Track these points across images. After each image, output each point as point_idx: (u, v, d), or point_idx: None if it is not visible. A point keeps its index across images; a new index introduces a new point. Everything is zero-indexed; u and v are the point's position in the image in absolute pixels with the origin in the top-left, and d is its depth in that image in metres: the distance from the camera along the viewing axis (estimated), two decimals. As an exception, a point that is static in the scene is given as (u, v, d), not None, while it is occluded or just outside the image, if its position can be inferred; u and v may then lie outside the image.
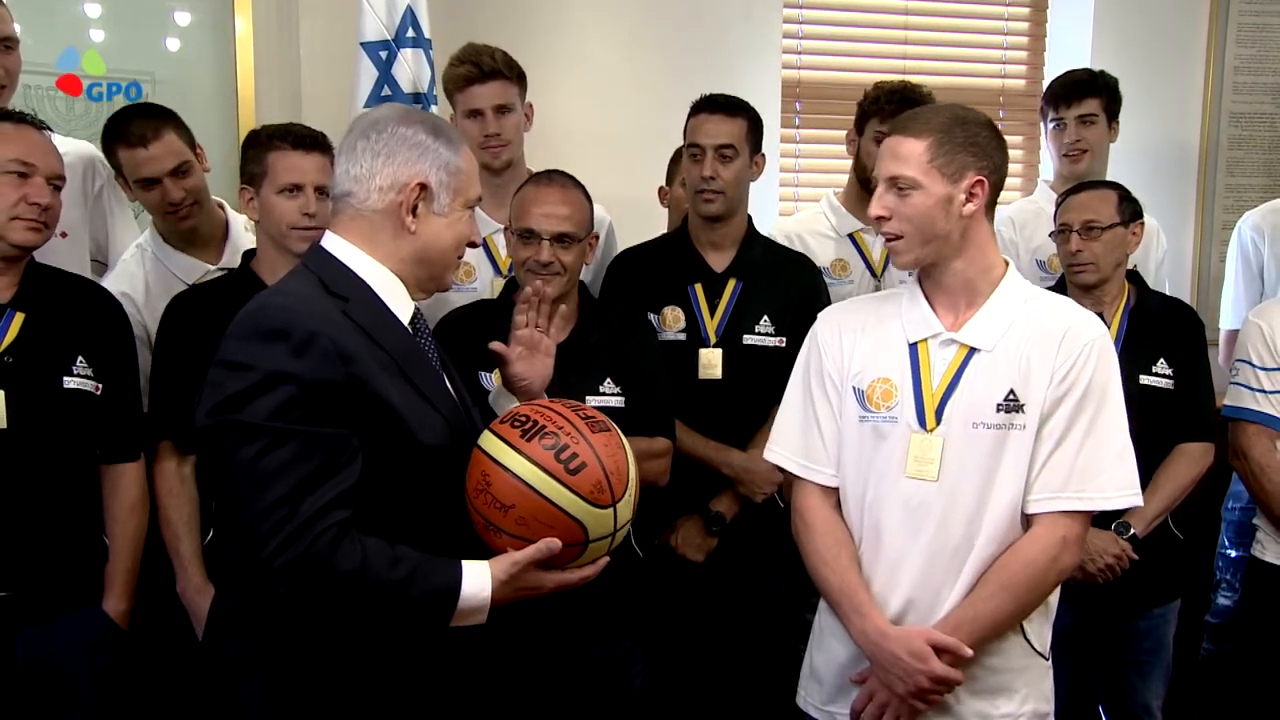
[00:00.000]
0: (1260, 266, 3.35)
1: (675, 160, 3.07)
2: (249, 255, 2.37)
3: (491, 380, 2.23)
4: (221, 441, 1.48)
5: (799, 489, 2.01)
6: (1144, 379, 2.55)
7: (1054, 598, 1.92)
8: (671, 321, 2.63)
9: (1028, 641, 1.89)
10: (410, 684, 1.62)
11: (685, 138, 2.66)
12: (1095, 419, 1.83)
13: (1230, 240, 3.48)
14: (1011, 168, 2.03)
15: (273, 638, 1.57)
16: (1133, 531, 2.54)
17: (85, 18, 3.16)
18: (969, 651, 1.81)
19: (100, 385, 2.14)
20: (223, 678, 1.62)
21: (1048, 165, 3.30)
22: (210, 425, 1.49)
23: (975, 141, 1.83)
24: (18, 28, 2.61)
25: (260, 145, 2.28)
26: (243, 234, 2.66)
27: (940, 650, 1.81)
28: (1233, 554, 3.22)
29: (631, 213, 3.00)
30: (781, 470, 2.07)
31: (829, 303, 2.67)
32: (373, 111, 1.70)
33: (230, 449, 1.47)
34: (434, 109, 2.91)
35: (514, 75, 2.67)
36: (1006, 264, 1.93)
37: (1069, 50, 3.88)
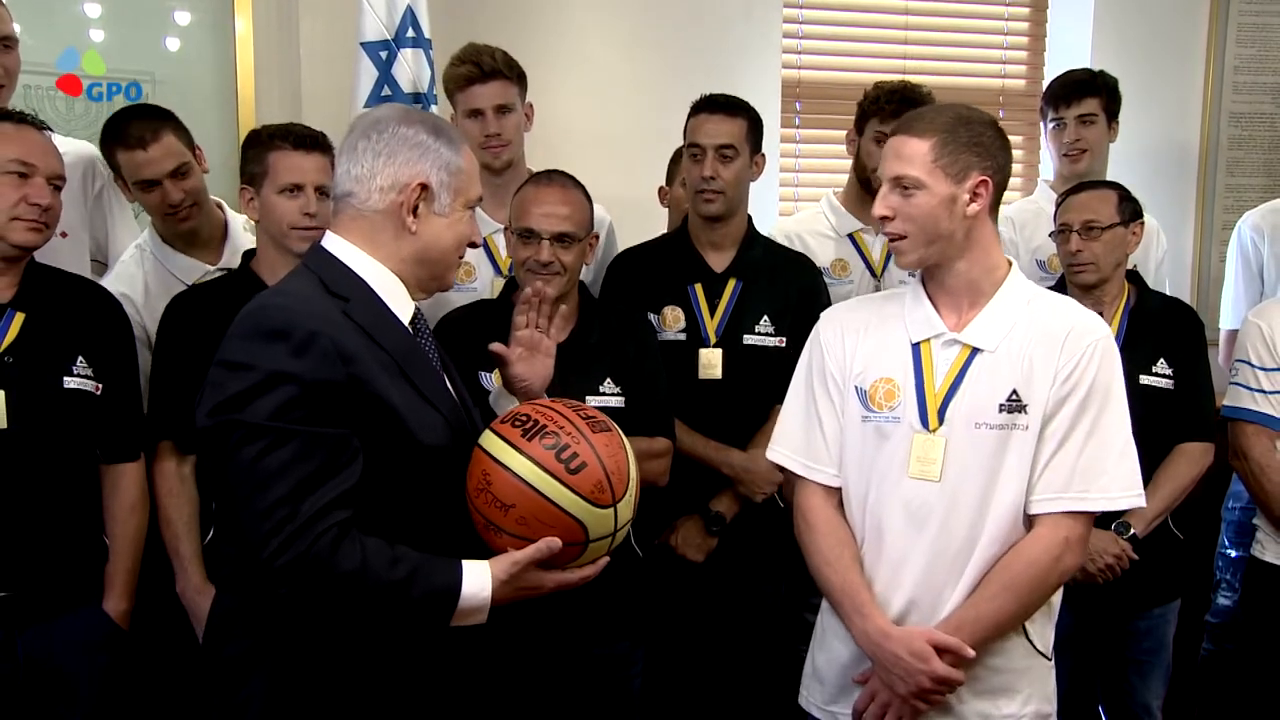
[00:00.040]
0: (1260, 266, 3.35)
1: (675, 160, 3.07)
2: (249, 255, 2.36)
3: (491, 380, 2.23)
4: (222, 441, 1.48)
5: (801, 489, 2.01)
6: (1144, 379, 2.55)
7: (1056, 598, 1.92)
8: (671, 321, 2.63)
9: (1030, 642, 1.89)
10: (410, 684, 1.62)
11: (685, 138, 2.66)
12: (1098, 419, 1.82)
13: (1230, 240, 3.48)
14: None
15: (273, 637, 1.57)
16: (1133, 531, 2.54)
17: (85, 18, 3.16)
18: (971, 652, 1.81)
19: (100, 385, 2.14)
20: (223, 677, 1.63)
21: (1048, 165, 3.30)
22: (211, 425, 1.49)
23: (979, 141, 1.83)
24: (17, 27, 2.61)
25: (261, 145, 2.28)
26: (242, 234, 2.66)
27: (942, 650, 1.81)
28: (1233, 554, 3.22)
29: (631, 213, 3.00)
30: (783, 470, 2.07)
31: (829, 303, 2.67)
32: (374, 111, 1.70)
33: (231, 449, 1.47)
34: (434, 109, 2.91)
35: (514, 75, 2.67)
36: (1010, 264, 1.93)
37: (1069, 50, 3.88)
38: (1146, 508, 2.27)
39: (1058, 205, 2.72)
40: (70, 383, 2.10)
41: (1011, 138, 1.96)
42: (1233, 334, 3.20)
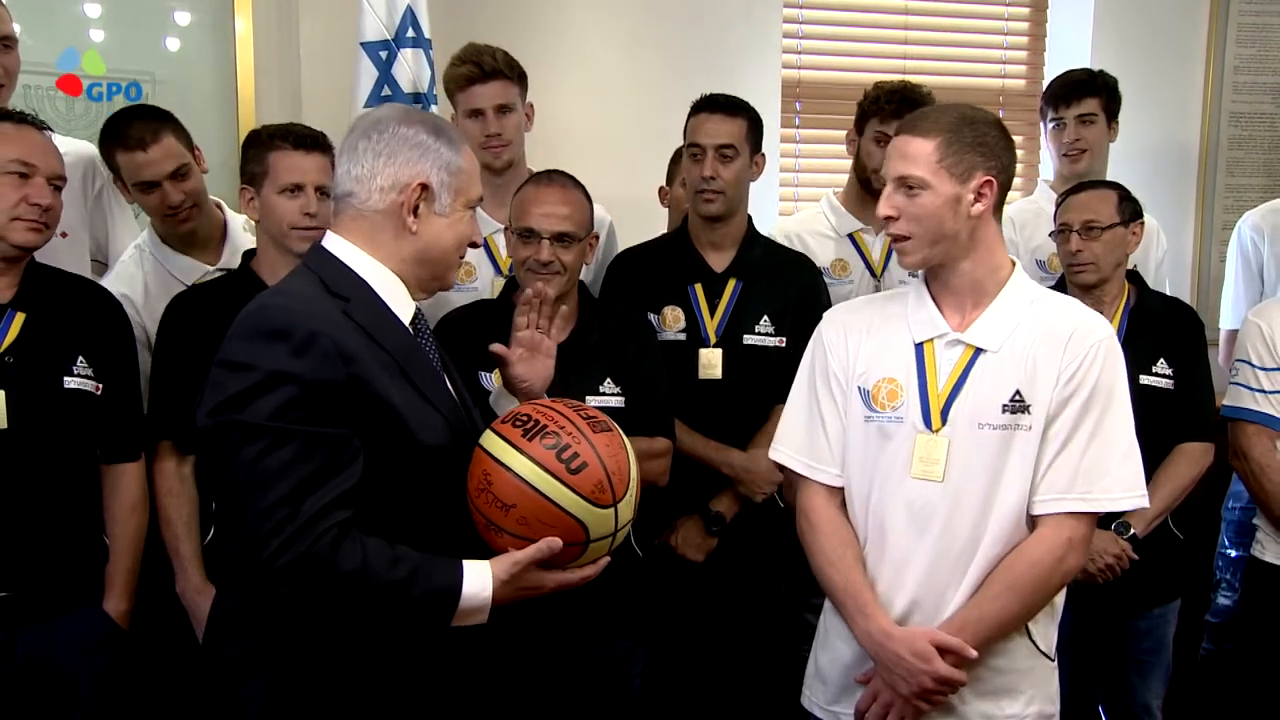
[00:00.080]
0: (1260, 266, 3.36)
1: (675, 160, 3.07)
2: (249, 255, 2.36)
3: (491, 380, 2.23)
4: (223, 441, 1.48)
5: (804, 489, 2.00)
6: (1144, 379, 2.55)
7: (1059, 599, 1.92)
8: (671, 321, 2.63)
9: (1033, 642, 1.89)
10: (411, 684, 1.62)
11: (685, 138, 2.66)
12: (1102, 420, 1.82)
13: (1230, 240, 3.48)
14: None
15: (274, 637, 1.57)
16: (1133, 531, 2.54)
17: (85, 18, 3.16)
18: (973, 653, 1.80)
19: (100, 385, 2.14)
20: (223, 677, 1.63)
21: (1048, 165, 3.30)
22: (212, 425, 1.49)
23: (984, 141, 1.83)
24: (17, 27, 2.61)
25: (261, 145, 2.28)
26: (241, 234, 2.66)
27: (944, 651, 1.81)
28: (1233, 554, 3.22)
29: (631, 213, 2.99)
30: (785, 470, 2.06)
31: (829, 303, 2.67)
32: (374, 111, 1.70)
33: (232, 449, 1.47)
34: (434, 109, 2.91)
35: (515, 75, 2.67)
36: (1013, 264, 1.93)
37: (1069, 50, 3.88)
38: (1147, 508, 2.27)
39: (1058, 205, 2.72)
40: (70, 383, 2.09)
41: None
42: (1233, 334, 3.20)
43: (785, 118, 3.78)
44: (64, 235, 2.43)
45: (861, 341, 1.94)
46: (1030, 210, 3.20)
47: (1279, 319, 2.62)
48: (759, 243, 2.73)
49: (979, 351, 1.86)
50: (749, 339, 2.63)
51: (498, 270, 2.68)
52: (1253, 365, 2.61)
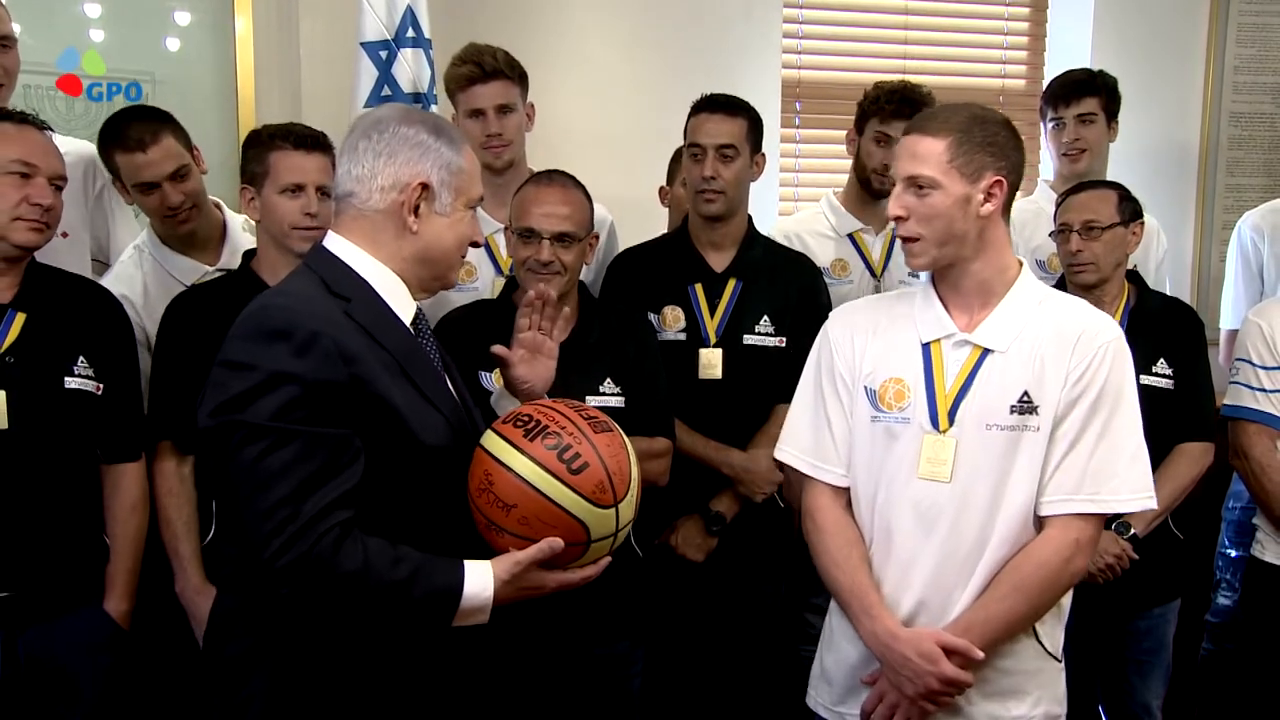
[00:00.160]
0: (1260, 266, 3.36)
1: (675, 160, 3.07)
2: (249, 255, 2.36)
3: (492, 380, 2.23)
4: (224, 442, 1.48)
5: (809, 489, 2.00)
6: (1144, 379, 2.54)
7: (1066, 600, 1.92)
8: (671, 321, 2.63)
9: (1040, 644, 1.88)
10: (411, 683, 1.62)
11: (685, 137, 2.66)
12: (1110, 421, 1.82)
13: (1230, 240, 3.48)
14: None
15: (274, 637, 1.57)
16: (1133, 531, 2.55)
17: (85, 18, 3.16)
18: (980, 654, 1.80)
19: (101, 385, 2.14)
20: (224, 677, 1.63)
21: (1048, 165, 3.30)
22: (213, 425, 1.49)
23: (994, 141, 1.82)
24: (17, 27, 2.61)
25: (262, 145, 2.28)
26: (241, 234, 2.65)
27: (951, 652, 1.80)
28: (1233, 553, 3.22)
29: (631, 213, 2.99)
30: (787, 470, 2.06)
31: (829, 303, 2.68)
32: (374, 111, 1.69)
33: (233, 449, 1.47)
34: (434, 109, 2.91)
35: (516, 75, 2.67)
36: (1020, 264, 1.92)
37: (1069, 50, 3.88)
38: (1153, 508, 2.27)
39: (1058, 205, 2.72)
40: (71, 383, 2.10)
41: (1012, 138, 1.95)
42: (1233, 334, 3.20)
43: (785, 118, 3.78)
44: (64, 235, 2.43)
45: (868, 341, 1.94)
46: (1030, 210, 3.20)
47: (1279, 318, 2.62)
48: (759, 243, 2.73)
49: (987, 352, 1.86)
50: (749, 339, 2.63)
51: (498, 270, 2.68)
52: (1253, 364, 2.62)
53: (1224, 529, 3.27)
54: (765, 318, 2.63)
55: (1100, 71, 3.17)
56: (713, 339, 2.62)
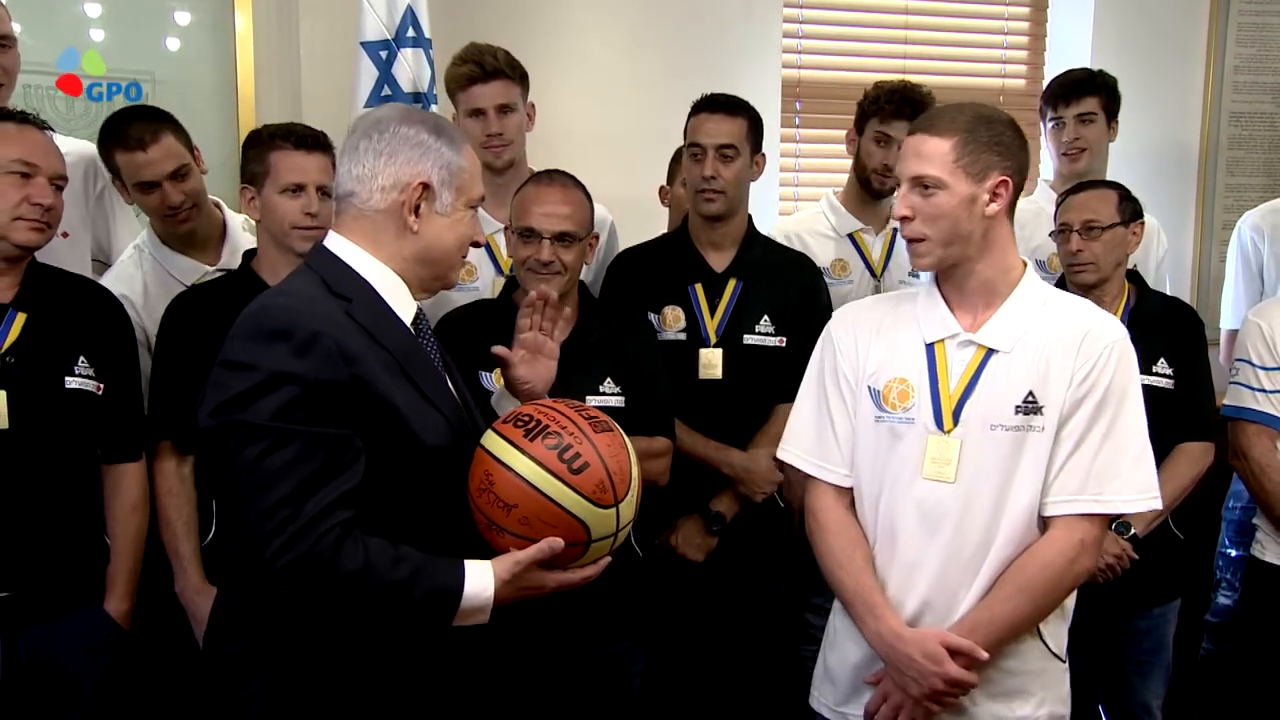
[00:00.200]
0: (1260, 266, 3.36)
1: (676, 160, 3.07)
2: (249, 255, 2.36)
3: (492, 380, 2.23)
4: (225, 442, 1.48)
5: (812, 489, 2.00)
6: (1144, 379, 2.52)
7: (1070, 600, 1.91)
8: (672, 321, 2.63)
9: (1044, 644, 1.88)
10: (411, 683, 1.62)
11: (686, 137, 2.66)
12: (1114, 422, 1.82)
13: (1230, 240, 3.48)
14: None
15: (275, 637, 1.57)
16: (1133, 531, 2.55)
17: (85, 18, 3.16)
18: (985, 654, 1.80)
19: (101, 385, 2.14)
20: (225, 676, 1.63)
21: (1048, 165, 3.30)
22: (213, 425, 1.49)
23: (1000, 141, 1.82)
24: (17, 27, 2.61)
25: (262, 145, 2.28)
26: (241, 234, 2.65)
27: (955, 652, 1.80)
28: (1233, 553, 3.22)
29: (631, 213, 2.99)
30: (788, 470, 2.06)
31: (829, 303, 2.68)
32: (375, 111, 1.69)
33: (233, 449, 1.47)
34: (434, 109, 2.91)
35: (516, 75, 2.67)
36: (1024, 265, 1.92)
37: (1069, 50, 3.88)
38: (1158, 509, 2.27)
39: (1058, 205, 2.72)
40: (72, 383, 2.10)
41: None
42: (1233, 334, 3.20)
43: (785, 118, 3.78)
44: (65, 235, 2.43)
45: (872, 341, 1.94)
46: (1030, 210, 3.19)
47: (1279, 319, 2.62)
48: (759, 242, 2.73)
49: (991, 352, 1.85)
50: (749, 339, 2.63)
51: (499, 270, 2.68)
52: (1253, 365, 2.62)
53: (1224, 529, 3.27)
54: (765, 317, 2.63)
55: (1100, 71, 3.17)
56: (713, 339, 2.62)
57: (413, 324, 1.66)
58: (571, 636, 2.29)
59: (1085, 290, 2.57)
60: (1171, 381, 2.58)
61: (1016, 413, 1.82)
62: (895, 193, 2.92)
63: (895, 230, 2.95)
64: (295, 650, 1.56)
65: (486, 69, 2.62)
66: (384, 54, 2.97)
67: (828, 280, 2.80)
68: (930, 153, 1.81)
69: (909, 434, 1.86)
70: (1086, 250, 2.56)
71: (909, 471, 1.86)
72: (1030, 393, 1.82)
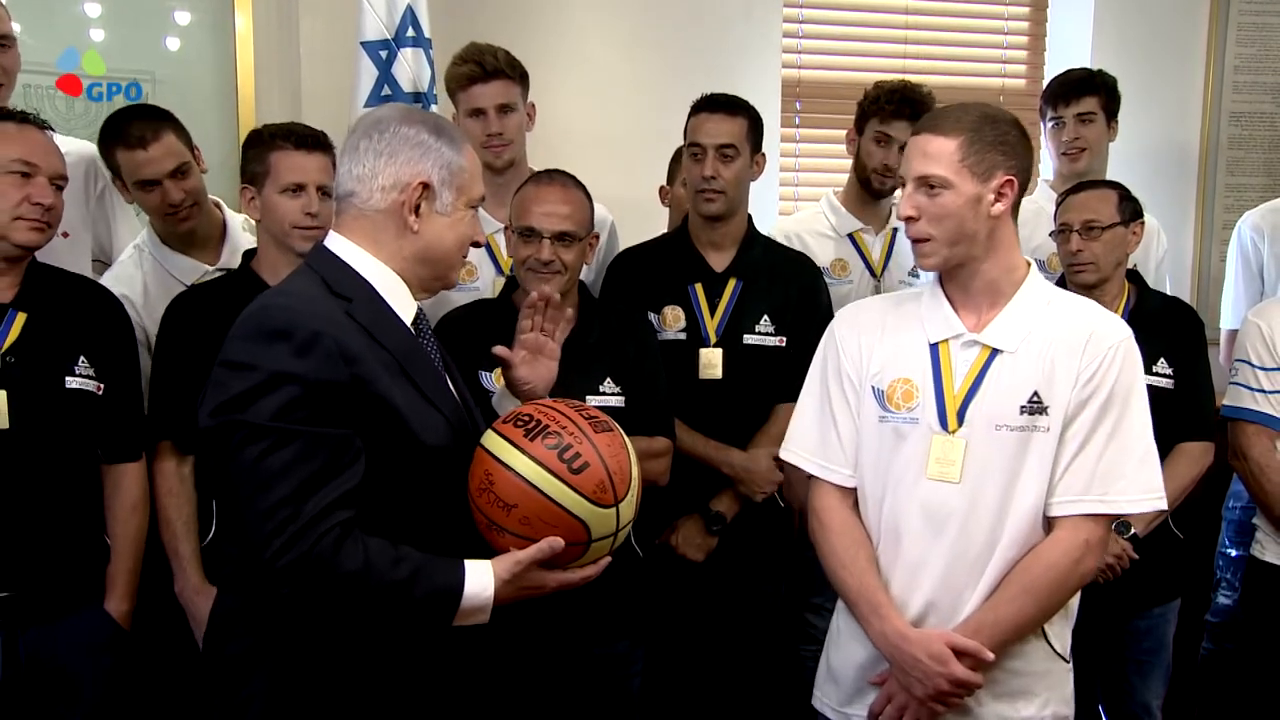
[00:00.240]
0: (1260, 266, 3.36)
1: (675, 160, 3.07)
2: (249, 255, 2.36)
3: (492, 380, 2.23)
4: (225, 441, 1.48)
5: (815, 489, 1.99)
6: (1144, 379, 2.54)
7: (1074, 601, 1.91)
8: (672, 321, 2.63)
9: (1049, 644, 1.88)
10: (411, 683, 1.62)
11: (686, 137, 2.66)
12: (1119, 422, 1.82)
13: (1230, 240, 3.48)
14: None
15: (275, 637, 1.57)
16: (1133, 531, 2.55)
17: (85, 17, 3.16)
18: (990, 655, 1.80)
19: (102, 385, 2.14)
20: (225, 676, 1.63)
21: (1048, 165, 3.30)
22: (214, 425, 1.49)
23: (1005, 140, 1.82)
24: (17, 27, 2.61)
25: (262, 145, 2.27)
26: (241, 234, 2.66)
27: (961, 653, 1.80)
28: (1233, 553, 3.22)
29: (631, 213, 2.99)
30: (788, 470, 2.06)
31: (829, 303, 2.68)
32: (375, 111, 1.69)
33: (234, 449, 1.47)
34: (434, 108, 2.91)
35: (517, 75, 2.67)
36: (1029, 265, 1.92)
37: (1069, 50, 3.88)
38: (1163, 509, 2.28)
39: (1058, 205, 2.72)
40: (72, 383, 2.10)
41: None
42: (1233, 334, 3.20)
43: (785, 118, 3.78)
44: (65, 235, 2.43)
45: (875, 341, 1.93)
46: (1030, 210, 3.17)
47: (1279, 319, 2.62)
48: (759, 242, 2.73)
49: (995, 352, 1.85)
50: (749, 339, 2.63)
51: (499, 270, 2.68)
52: (1252, 365, 2.61)
53: (1224, 529, 3.27)
54: (765, 317, 2.63)
55: (1100, 71, 3.17)
56: (713, 339, 2.62)
57: (413, 324, 1.66)
58: (571, 636, 2.29)
59: (1085, 290, 2.57)
60: (1171, 381, 2.58)
61: (1021, 413, 1.81)
62: (895, 193, 2.94)
63: (895, 230, 2.96)
64: (295, 650, 1.56)
65: (487, 69, 2.62)
66: (384, 54, 2.97)
67: (828, 280, 2.80)
68: (936, 152, 1.81)
69: (913, 434, 1.86)
70: (1086, 250, 2.57)
71: (913, 472, 1.86)
72: (1035, 393, 1.82)
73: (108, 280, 2.49)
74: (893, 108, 2.82)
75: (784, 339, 2.63)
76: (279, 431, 1.45)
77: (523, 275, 2.29)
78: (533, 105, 2.75)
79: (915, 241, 1.86)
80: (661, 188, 3.19)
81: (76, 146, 2.62)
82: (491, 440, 1.60)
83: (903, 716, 1.86)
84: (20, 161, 2.04)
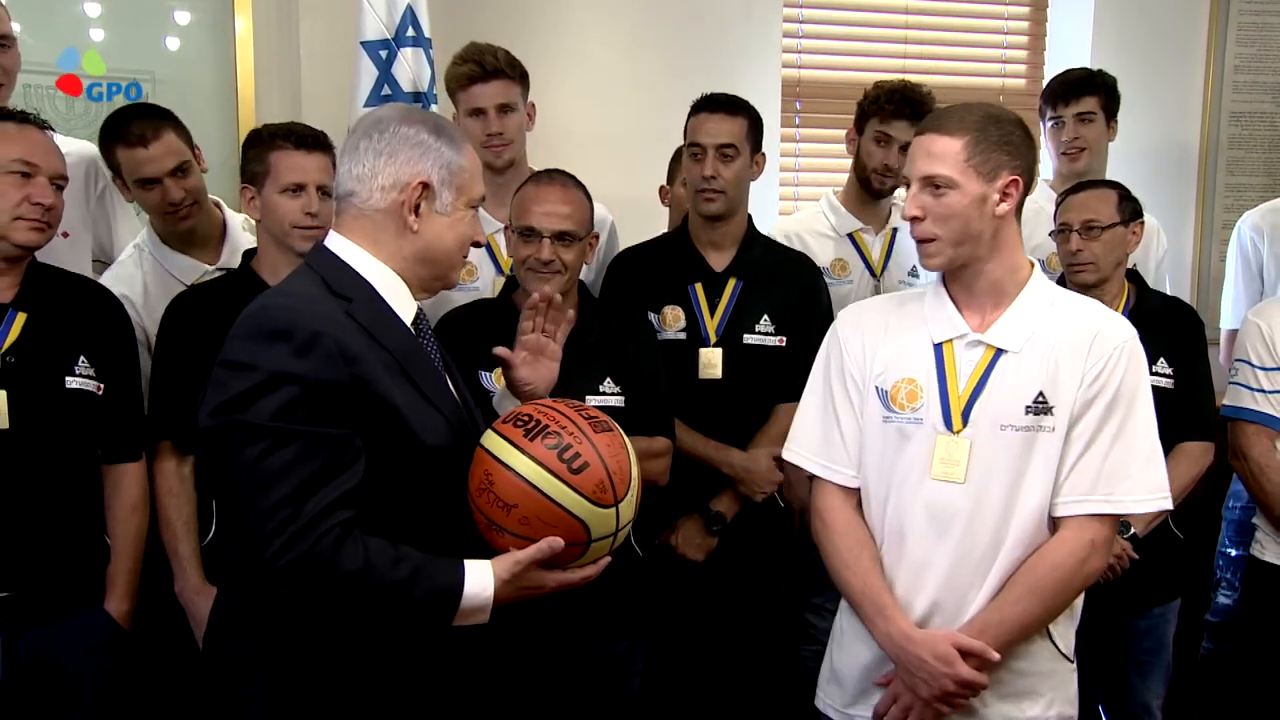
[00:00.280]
0: (1260, 266, 3.36)
1: (675, 160, 3.07)
2: (249, 255, 2.36)
3: (492, 380, 2.23)
4: (225, 441, 1.48)
5: (818, 490, 1.99)
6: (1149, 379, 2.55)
7: (1078, 601, 1.91)
8: (672, 321, 2.63)
9: (1054, 645, 1.88)
10: (411, 683, 1.62)
11: (686, 137, 2.66)
12: (1125, 422, 1.81)
13: (1230, 240, 3.48)
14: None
15: (275, 637, 1.57)
16: (1133, 531, 2.55)
17: (85, 17, 3.16)
18: (996, 656, 1.79)
19: (102, 385, 2.14)
20: (225, 676, 1.63)
21: (1047, 165, 3.30)
22: (214, 425, 1.49)
23: (1010, 140, 1.81)
24: (16, 26, 2.61)
25: (262, 144, 2.27)
26: (240, 233, 2.66)
27: (966, 654, 1.80)
28: (1233, 553, 3.22)
29: (631, 213, 2.99)
30: (790, 470, 2.05)
31: (829, 302, 2.68)
32: (375, 111, 1.70)
33: (234, 449, 1.47)
34: (434, 108, 2.91)
35: (517, 75, 2.67)
36: (1032, 265, 1.91)
37: (1069, 50, 3.88)
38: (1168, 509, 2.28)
39: (1057, 204, 2.72)
40: (72, 383, 2.10)
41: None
42: (1233, 334, 3.20)
43: (785, 117, 3.78)
44: (65, 235, 2.43)
45: (879, 341, 1.93)
46: (1030, 210, 3.14)
47: (1279, 319, 2.62)
48: (759, 242, 2.73)
49: (1000, 352, 1.85)
50: (749, 338, 2.63)
51: (499, 270, 2.68)
52: (1252, 365, 2.61)
53: (1224, 528, 3.27)
54: (765, 317, 2.63)
55: (1099, 70, 3.17)
56: (713, 338, 2.62)
57: (413, 324, 1.66)
58: (571, 636, 2.29)
59: (1085, 290, 2.57)
60: (1171, 381, 2.58)
61: (1027, 413, 1.81)
62: (895, 192, 2.95)
63: (895, 230, 2.96)
64: (295, 650, 1.56)
65: (487, 68, 2.62)
66: (384, 54, 2.97)
67: (827, 280, 2.80)
68: (941, 152, 1.80)
69: (917, 434, 1.86)
70: (1086, 250, 2.57)
71: (917, 472, 1.85)
72: (1041, 393, 1.81)
73: (107, 280, 2.48)
74: (893, 107, 2.82)
75: (784, 339, 2.63)
76: (279, 431, 1.45)
77: (523, 275, 2.29)
78: (533, 105, 2.75)
79: (920, 242, 1.86)
80: (661, 188, 3.19)
81: (77, 147, 2.62)
82: (491, 440, 1.60)
83: (908, 717, 1.86)
84: (20, 161, 2.04)
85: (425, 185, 1.61)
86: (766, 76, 3.67)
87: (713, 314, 2.63)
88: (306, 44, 3.33)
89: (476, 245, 1.72)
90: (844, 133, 3.02)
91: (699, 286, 2.64)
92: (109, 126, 2.48)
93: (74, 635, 2.10)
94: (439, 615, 1.53)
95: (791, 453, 2.02)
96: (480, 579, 1.54)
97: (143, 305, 2.47)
